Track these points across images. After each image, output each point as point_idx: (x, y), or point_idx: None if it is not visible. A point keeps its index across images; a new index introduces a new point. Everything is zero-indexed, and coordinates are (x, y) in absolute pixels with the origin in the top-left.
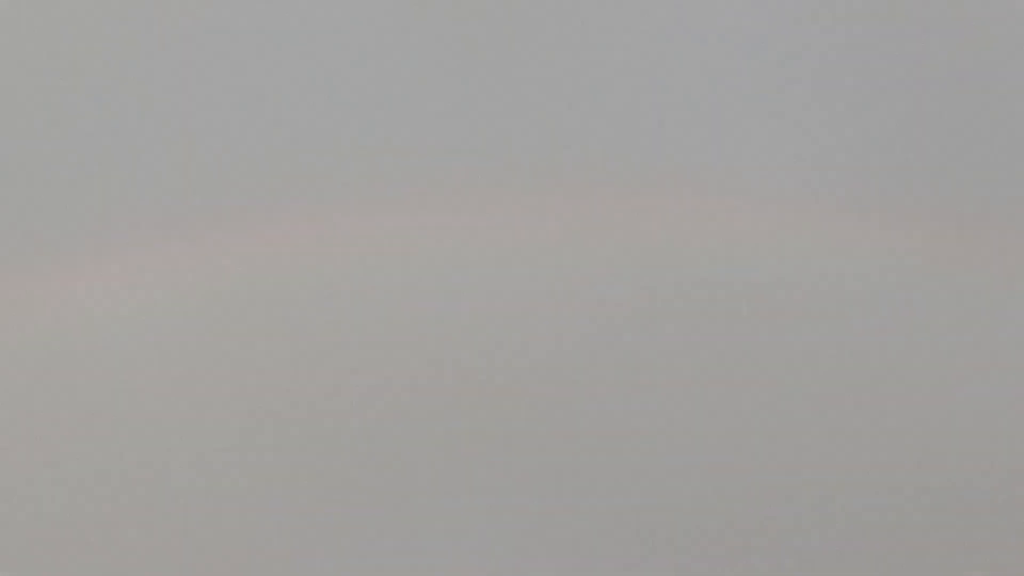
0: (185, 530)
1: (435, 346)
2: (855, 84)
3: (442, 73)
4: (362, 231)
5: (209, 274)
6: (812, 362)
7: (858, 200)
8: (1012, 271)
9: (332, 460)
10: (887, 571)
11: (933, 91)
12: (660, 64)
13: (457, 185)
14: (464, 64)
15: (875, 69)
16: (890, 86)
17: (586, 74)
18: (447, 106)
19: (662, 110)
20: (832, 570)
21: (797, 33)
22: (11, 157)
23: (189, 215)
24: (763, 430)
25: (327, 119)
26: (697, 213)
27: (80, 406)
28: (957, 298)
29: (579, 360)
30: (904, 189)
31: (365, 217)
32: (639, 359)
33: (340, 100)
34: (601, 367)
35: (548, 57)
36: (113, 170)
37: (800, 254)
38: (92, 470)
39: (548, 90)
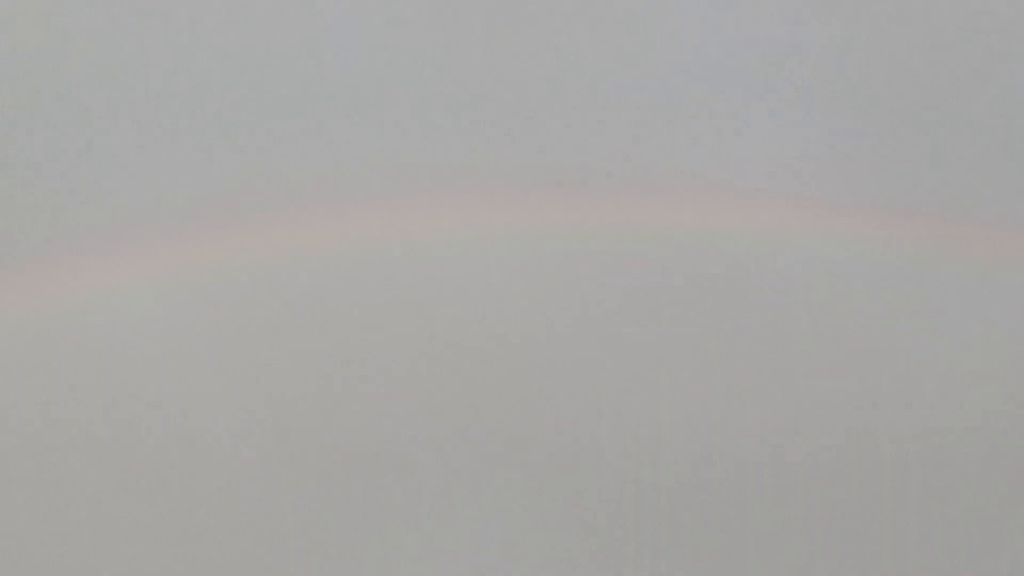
0: (186, 530)
1: (436, 344)
2: (854, 83)
3: (442, 73)
4: (363, 230)
5: (211, 274)
6: (812, 360)
7: (857, 198)
8: (1011, 267)
9: (332, 458)
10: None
11: (932, 89)
12: (660, 63)
13: (457, 185)
14: (464, 64)
15: (874, 68)
16: (889, 84)
17: (586, 73)
18: (447, 106)
19: (661, 109)
20: (833, 569)
21: (797, 32)
22: (12, 157)
23: (191, 215)
24: (763, 427)
25: (328, 120)
26: (697, 212)
27: (82, 406)
28: (957, 295)
29: (579, 359)
30: (903, 187)
31: (365, 217)
32: (639, 358)
33: (340, 100)
34: (600, 365)
35: (548, 56)
36: (114, 170)
37: (799, 253)
38: (92, 470)
39: (548, 90)
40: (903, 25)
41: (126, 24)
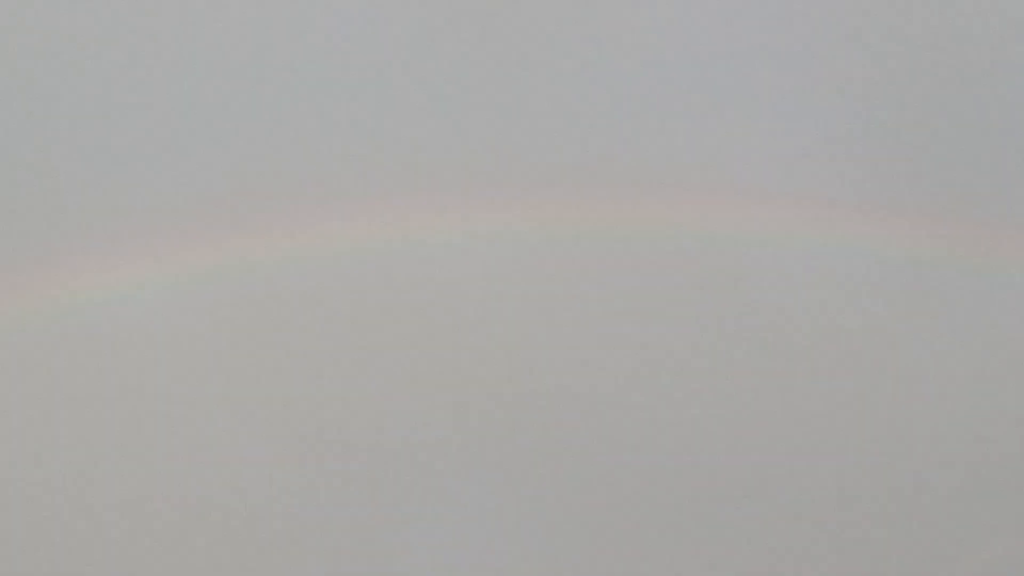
0: (189, 531)
1: (437, 343)
2: (856, 82)
3: (442, 72)
4: (364, 230)
5: (212, 274)
6: (813, 359)
7: (859, 198)
8: (1012, 267)
9: (334, 458)
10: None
11: (934, 88)
12: (660, 62)
13: (459, 184)
14: (464, 64)
15: (875, 67)
16: (890, 83)
17: (586, 72)
18: (448, 105)
19: (662, 108)
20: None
21: (798, 31)
22: (13, 156)
23: (193, 215)
24: (764, 426)
25: (329, 119)
26: (697, 211)
27: (84, 405)
28: (958, 294)
29: (579, 358)
30: (905, 186)
31: (366, 216)
32: (640, 357)
33: (343, 100)
34: (601, 364)
35: (548, 55)
36: (116, 169)
37: (801, 252)
38: (92, 469)
39: (549, 88)
40: (905, 24)
41: (127, 24)
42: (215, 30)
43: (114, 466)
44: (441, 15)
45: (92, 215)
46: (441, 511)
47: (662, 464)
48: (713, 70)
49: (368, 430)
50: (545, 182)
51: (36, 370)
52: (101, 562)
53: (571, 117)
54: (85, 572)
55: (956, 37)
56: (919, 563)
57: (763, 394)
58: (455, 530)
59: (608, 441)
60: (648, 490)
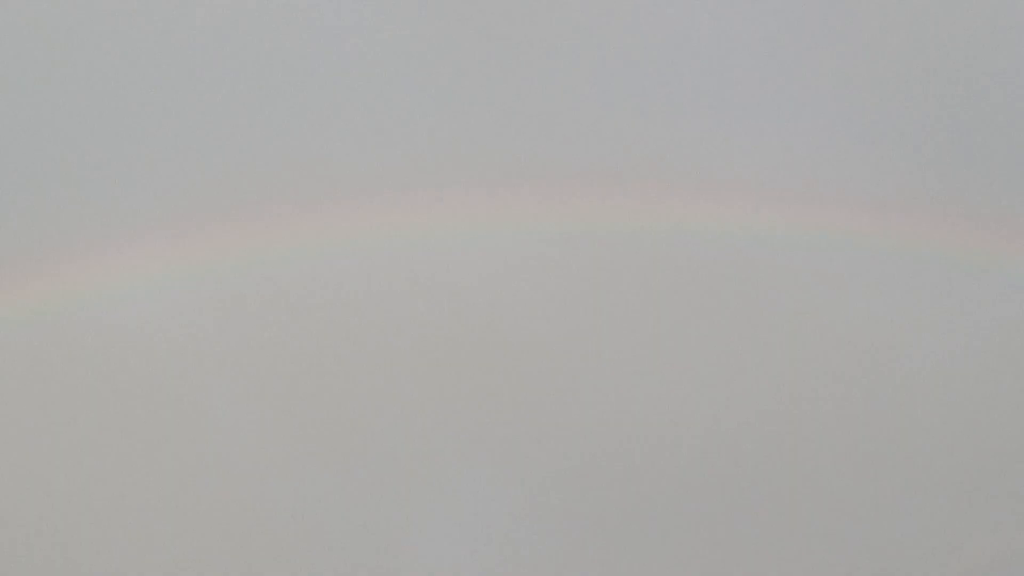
0: (198, 525)
1: (444, 338)
2: (860, 79)
3: (448, 71)
4: (362, 229)
5: (217, 271)
6: (816, 355)
7: (863, 195)
8: (1013, 263)
9: (338, 453)
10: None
11: (937, 85)
12: (664, 58)
13: (465, 182)
14: (468, 61)
15: (880, 64)
16: (895, 80)
17: (591, 68)
18: (455, 103)
19: (666, 105)
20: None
21: (801, 28)
22: (14, 155)
23: (196, 211)
24: (768, 421)
25: (330, 117)
26: (701, 208)
27: (86, 404)
28: (960, 290)
29: (584, 354)
30: (909, 183)
31: (369, 214)
32: (644, 354)
33: (340, 99)
34: (605, 360)
35: (552, 51)
36: (116, 168)
37: (803, 248)
38: (94, 469)
39: (553, 85)
40: (908, 21)
41: (127, 22)
42: (215, 28)
43: (116, 466)
44: (446, 11)
45: (92, 214)
46: (448, 509)
47: (669, 462)
48: (717, 67)
49: (372, 428)
50: (547, 180)
51: (37, 369)
52: (102, 562)
53: (575, 113)
54: (86, 572)
55: (958, 33)
56: (918, 557)
57: (767, 388)
58: (462, 528)
59: (611, 439)
60: (655, 489)
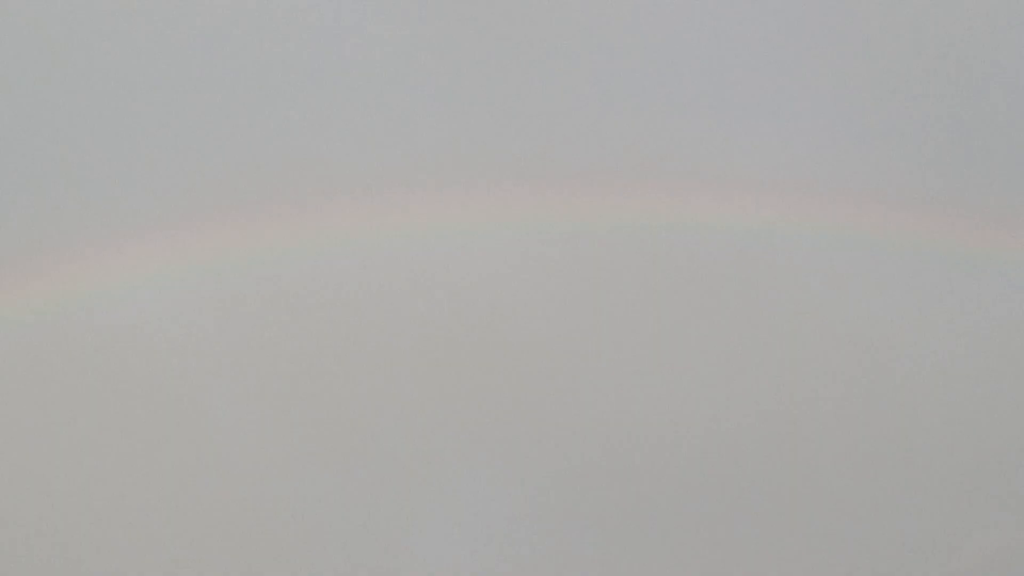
0: (200, 525)
1: (444, 337)
2: (859, 75)
3: (449, 69)
4: (362, 229)
5: (212, 271)
6: (817, 352)
7: (863, 190)
8: (1014, 259)
9: (334, 453)
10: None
11: (932, 83)
12: (663, 55)
13: (457, 183)
14: (468, 59)
15: (879, 60)
16: (894, 76)
17: (589, 65)
18: (456, 102)
19: (665, 102)
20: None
21: (801, 24)
22: (14, 155)
23: (191, 212)
24: (768, 417)
25: (327, 118)
26: (701, 204)
27: (86, 404)
28: (961, 286)
29: (582, 352)
30: (909, 178)
31: (365, 215)
32: (644, 351)
33: (340, 99)
34: (604, 358)
35: (551, 49)
36: (116, 168)
37: (799, 248)
38: (95, 469)
39: (552, 83)
40: (909, 17)
41: (127, 22)
42: (215, 28)
43: (116, 465)
44: (448, 9)
45: (92, 214)
46: (448, 509)
47: (668, 461)
48: (718, 65)
49: (371, 428)
50: (547, 180)
51: (37, 369)
52: (102, 562)
53: (575, 114)
54: (86, 572)
55: (958, 33)
56: (923, 560)
57: (768, 385)
58: (462, 528)
59: (611, 439)
60: (655, 488)
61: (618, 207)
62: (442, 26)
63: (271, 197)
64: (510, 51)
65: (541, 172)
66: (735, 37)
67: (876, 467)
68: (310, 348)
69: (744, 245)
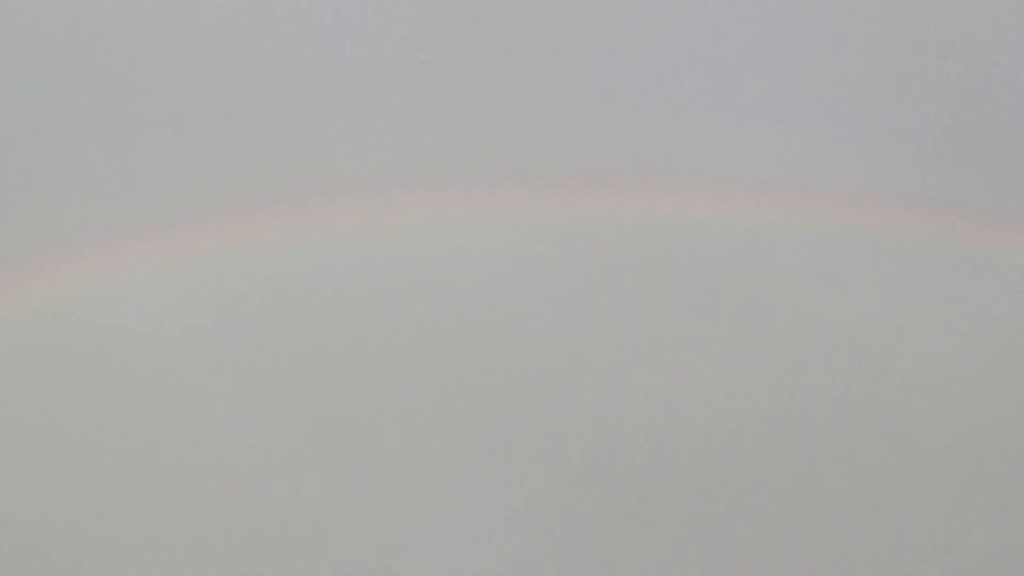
0: (200, 526)
1: (444, 337)
2: (860, 75)
3: (451, 69)
4: (362, 229)
5: (212, 271)
6: (817, 351)
7: (863, 190)
8: (1013, 259)
9: (334, 453)
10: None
11: (932, 83)
12: (664, 55)
13: (457, 183)
14: (469, 59)
15: (879, 60)
16: (895, 76)
17: (590, 65)
18: (446, 105)
19: (666, 102)
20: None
21: (801, 23)
22: (14, 155)
23: (191, 212)
24: (768, 417)
25: (327, 118)
26: (701, 204)
27: (86, 404)
28: (961, 286)
29: (583, 352)
30: (909, 178)
31: (365, 215)
32: (644, 350)
33: (340, 99)
34: (605, 357)
35: (551, 48)
36: (116, 168)
37: (799, 248)
38: (96, 469)
39: (547, 88)
40: (909, 17)
41: (127, 22)
42: (215, 29)
43: (116, 465)
44: (448, 9)
45: (92, 214)
46: (448, 509)
47: (668, 461)
48: (718, 65)
49: (371, 427)
50: (547, 180)
51: (37, 369)
52: (102, 562)
53: (575, 114)
54: (86, 572)
55: (958, 33)
56: (923, 560)
57: (765, 389)
58: (461, 528)
59: (611, 438)
60: (655, 488)
61: (618, 207)
62: (442, 26)
63: (271, 197)
64: (510, 51)
65: (541, 172)
66: (735, 38)
67: (876, 467)
68: (310, 348)
69: (744, 245)
